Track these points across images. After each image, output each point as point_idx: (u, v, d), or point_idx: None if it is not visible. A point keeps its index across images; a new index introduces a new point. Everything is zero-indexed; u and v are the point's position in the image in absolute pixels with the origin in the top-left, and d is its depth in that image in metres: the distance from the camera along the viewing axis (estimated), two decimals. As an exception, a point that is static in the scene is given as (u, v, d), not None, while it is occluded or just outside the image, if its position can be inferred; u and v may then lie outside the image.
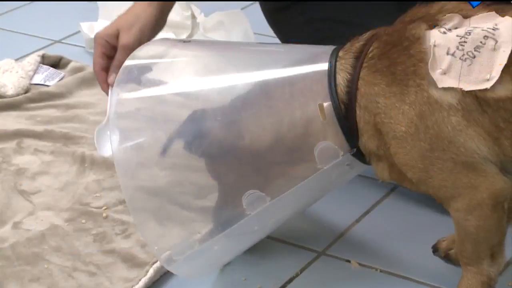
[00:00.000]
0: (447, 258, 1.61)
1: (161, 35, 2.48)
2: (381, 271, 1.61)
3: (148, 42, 1.60)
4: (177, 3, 2.45)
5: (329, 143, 1.42)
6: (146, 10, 1.64)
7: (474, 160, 1.36)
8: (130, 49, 1.58)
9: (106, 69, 1.61)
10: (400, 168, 1.42)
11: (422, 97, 1.36)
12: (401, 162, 1.41)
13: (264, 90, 1.46)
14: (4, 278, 1.59)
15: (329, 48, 1.47)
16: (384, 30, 1.43)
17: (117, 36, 1.62)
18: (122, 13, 1.67)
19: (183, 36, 2.47)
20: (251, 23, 2.36)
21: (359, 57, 1.41)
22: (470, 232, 1.42)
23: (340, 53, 1.44)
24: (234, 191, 1.46)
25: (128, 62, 1.53)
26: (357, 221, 1.74)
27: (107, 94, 1.58)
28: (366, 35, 1.44)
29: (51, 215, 1.76)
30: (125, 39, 1.60)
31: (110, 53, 1.62)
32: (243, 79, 1.50)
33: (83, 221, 1.74)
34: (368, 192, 1.82)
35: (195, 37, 2.46)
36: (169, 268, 1.49)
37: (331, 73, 1.42)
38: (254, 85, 1.47)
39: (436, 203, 1.47)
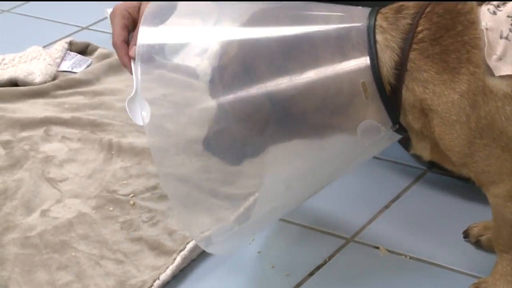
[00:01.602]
0: (478, 244, 1.59)
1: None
2: (410, 257, 1.59)
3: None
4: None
5: (372, 121, 1.39)
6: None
7: None
8: (153, 17, 1.52)
9: (128, 42, 1.58)
10: (445, 151, 1.40)
11: (477, 86, 1.33)
12: (447, 147, 1.38)
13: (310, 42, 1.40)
14: (33, 266, 1.60)
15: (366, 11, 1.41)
16: (433, 7, 1.37)
17: (138, 8, 1.59)
18: None
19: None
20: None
21: (406, 38, 1.36)
22: (507, 218, 1.40)
23: (383, 24, 1.37)
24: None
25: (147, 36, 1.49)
26: (386, 207, 1.73)
27: (128, 67, 1.56)
28: (411, 10, 1.38)
29: (78, 202, 1.76)
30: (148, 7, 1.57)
31: (131, 26, 1.58)
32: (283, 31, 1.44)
33: (111, 208, 1.74)
34: (397, 178, 1.80)
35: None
36: (208, 250, 1.49)
37: (372, 46, 1.36)
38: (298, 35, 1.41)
39: (465, 190, 1.46)
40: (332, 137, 1.43)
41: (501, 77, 1.32)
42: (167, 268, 1.57)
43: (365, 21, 1.38)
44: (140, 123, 1.47)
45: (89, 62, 2.32)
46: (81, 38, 2.44)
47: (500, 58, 1.32)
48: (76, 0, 2.74)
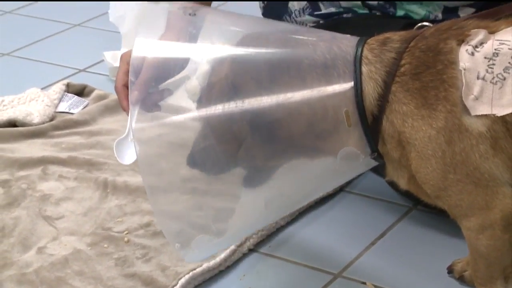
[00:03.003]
0: (461, 279, 1.62)
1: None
2: (396, 292, 1.63)
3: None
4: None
5: (352, 148, 1.43)
6: (172, 36, 1.65)
7: (495, 184, 1.38)
8: (156, 68, 1.54)
9: (128, 87, 1.63)
10: (420, 183, 1.44)
11: (453, 124, 1.37)
12: (422, 180, 1.43)
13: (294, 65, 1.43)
14: (29, 301, 1.63)
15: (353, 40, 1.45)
16: (417, 42, 1.42)
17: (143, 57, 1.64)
18: None
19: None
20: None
21: (390, 72, 1.40)
22: (481, 251, 1.43)
23: (369, 55, 1.42)
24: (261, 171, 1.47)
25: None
26: (373, 243, 1.77)
27: (127, 110, 1.60)
28: (396, 44, 1.42)
29: (74, 239, 1.80)
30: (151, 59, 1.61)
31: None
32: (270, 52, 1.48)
33: (105, 245, 1.78)
34: (384, 215, 1.84)
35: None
36: (186, 257, 1.51)
37: (357, 77, 1.40)
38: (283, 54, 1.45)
39: (449, 227, 1.49)
40: (314, 159, 1.46)
41: (477, 116, 1.37)
42: (160, 303, 1.62)
43: (352, 50, 1.42)
44: (125, 162, 1.51)
45: (85, 103, 2.37)
46: (78, 80, 2.49)
47: (476, 98, 1.36)
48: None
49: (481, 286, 1.48)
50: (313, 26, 1.92)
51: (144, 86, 1.49)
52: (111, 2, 2.64)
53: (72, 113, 2.33)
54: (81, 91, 2.43)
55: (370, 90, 1.41)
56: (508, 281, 1.46)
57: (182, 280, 1.64)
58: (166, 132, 1.54)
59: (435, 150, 1.39)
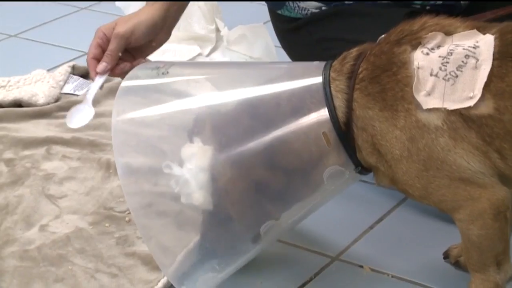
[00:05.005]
0: (457, 264, 1.64)
1: (187, 47, 2.56)
2: (392, 276, 1.65)
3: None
4: (202, 17, 2.54)
5: (337, 167, 1.47)
6: (148, 10, 1.71)
7: (469, 175, 1.40)
8: (121, 38, 1.66)
9: (98, 59, 1.69)
10: (402, 186, 1.47)
11: (411, 121, 1.40)
12: (401, 181, 1.45)
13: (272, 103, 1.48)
14: (30, 278, 1.65)
15: (321, 65, 1.49)
16: (370, 49, 1.46)
17: (113, 28, 1.69)
18: None
19: (208, 48, 2.54)
20: (272, 37, 2.42)
21: (350, 77, 1.44)
22: (473, 240, 1.45)
23: (333, 74, 1.46)
24: (249, 218, 1.50)
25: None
26: (371, 227, 1.79)
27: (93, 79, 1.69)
28: (353, 54, 1.47)
29: (76, 218, 1.82)
30: (118, 29, 1.67)
31: (105, 45, 1.69)
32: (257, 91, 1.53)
33: (107, 224, 1.80)
34: (382, 201, 1.86)
35: (219, 49, 2.53)
36: None
37: (328, 96, 1.44)
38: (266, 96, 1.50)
39: (445, 213, 1.51)
40: (302, 184, 1.49)
41: (431, 110, 1.39)
42: (159, 281, 1.63)
43: (318, 78, 1.46)
44: (73, 126, 1.61)
45: (90, 85, 2.39)
46: (83, 62, 2.48)
47: (428, 94, 1.39)
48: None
49: (474, 272, 1.50)
50: (315, 13, 1.93)
51: (111, 57, 1.64)
52: (118, -13, 2.66)
53: (77, 95, 2.35)
54: (86, 74, 2.45)
55: (340, 103, 1.45)
56: (500, 267, 1.48)
57: (179, 257, 1.66)
58: (168, 116, 1.56)
59: (402, 150, 1.41)
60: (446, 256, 1.67)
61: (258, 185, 1.46)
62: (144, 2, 1.74)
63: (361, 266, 1.67)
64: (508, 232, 1.45)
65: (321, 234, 1.76)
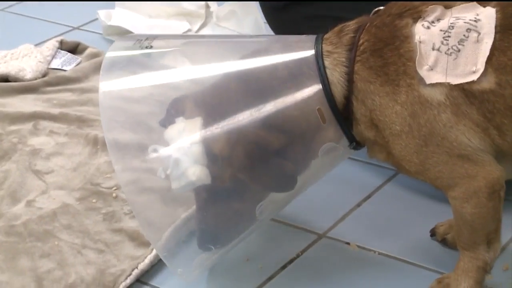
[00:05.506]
0: (444, 242, 1.65)
1: (176, 23, 2.55)
2: (379, 253, 1.65)
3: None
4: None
5: (331, 143, 1.46)
6: None
7: (468, 152, 1.40)
8: None
9: None
10: (399, 161, 1.46)
11: (413, 96, 1.39)
12: (399, 157, 1.45)
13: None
14: (16, 253, 1.65)
15: (312, 38, 1.47)
16: (371, 21, 1.45)
17: None
18: None
19: (198, 24, 2.53)
20: (261, 13, 2.40)
21: (351, 49, 1.43)
22: (466, 219, 1.45)
23: (329, 48, 1.44)
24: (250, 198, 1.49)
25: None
26: (358, 205, 1.79)
27: None
28: (352, 26, 1.45)
29: (63, 194, 1.82)
30: None
31: None
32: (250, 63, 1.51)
33: (94, 200, 1.80)
34: (369, 178, 1.86)
35: (209, 25, 2.52)
36: (188, 279, 1.54)
37: (323, 75, 1.43)
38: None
39: (434, 191, 1.51)
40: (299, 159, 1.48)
41: (434, 85, 1.38)
42: (146, 258, 1.63)
43: (311, 50, 1.44)
44: None
45: (78, 60, 2.38)
46: (71, 37, 2.50)
47: (431, 68, 1.38)
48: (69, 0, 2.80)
49: (464, 250, 1.50)
50: None
51: None
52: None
53: (64, 70, 2.34)
54: (74, 49, 2.44)
55: (338, 76, 1.43)
56: (490, 246, 1.48)
57: (166, 234, 1.66)
58: (158, 91, 1.55)
59: (403, 125, 1.41)
60: (433, 233, 1.67)
61: (257, 148, 1.43)
62: (143, 3, 1.70)
63: (348, 243, 1.68)
64: (500, 211, 1.45)
65: (308, 212, 1.77)
